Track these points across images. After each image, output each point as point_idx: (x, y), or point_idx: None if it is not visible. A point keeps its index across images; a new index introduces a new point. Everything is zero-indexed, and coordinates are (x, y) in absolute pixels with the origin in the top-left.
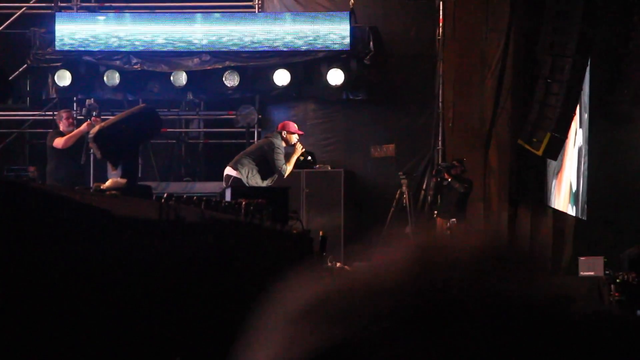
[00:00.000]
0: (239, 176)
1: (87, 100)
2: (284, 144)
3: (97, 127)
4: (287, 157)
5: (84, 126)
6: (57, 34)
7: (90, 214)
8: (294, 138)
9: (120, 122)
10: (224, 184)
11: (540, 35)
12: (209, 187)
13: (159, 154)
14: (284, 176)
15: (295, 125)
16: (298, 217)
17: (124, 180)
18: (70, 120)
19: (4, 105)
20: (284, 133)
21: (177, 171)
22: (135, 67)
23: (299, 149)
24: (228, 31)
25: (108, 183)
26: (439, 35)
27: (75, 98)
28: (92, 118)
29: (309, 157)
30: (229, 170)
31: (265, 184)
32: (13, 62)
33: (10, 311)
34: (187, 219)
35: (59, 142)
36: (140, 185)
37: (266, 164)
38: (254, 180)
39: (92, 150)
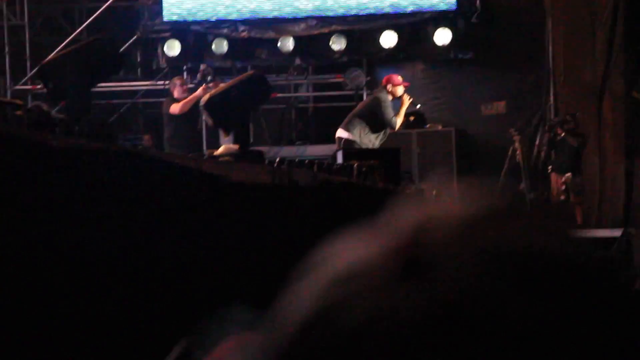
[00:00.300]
0: (351, 137)
1: (202, 65)
2: (390, 98)
3: (207, 95)
4: (396, 110)
5: (199, 91)
6: (165, 4)
7: (206, 180)
8: (400, 90)
9: (230, 89)
10: (336, 146)
11: None
12: (321, 150)
13: (270, 119)
14: (395, 129)
15: (400, 77)
16: (411, 177)
17: (236, 146)
18: (184, 87)
19: (116, 77)
20: (389, 87)
21: (289, 136)
22: (243, 34)
23: (407, 99)
24: None
25: (221, 149)
26: None
27: (184, 67)
28: (210, 83)
29: (418, 106)
30: (340, 132)
31: (378, 140)
32: (123, 34)
33: (145, 270)
34: (300, 182)
35: (175, 108)
36: (252, 150)
37: (376, 121)
38: (367, 138)
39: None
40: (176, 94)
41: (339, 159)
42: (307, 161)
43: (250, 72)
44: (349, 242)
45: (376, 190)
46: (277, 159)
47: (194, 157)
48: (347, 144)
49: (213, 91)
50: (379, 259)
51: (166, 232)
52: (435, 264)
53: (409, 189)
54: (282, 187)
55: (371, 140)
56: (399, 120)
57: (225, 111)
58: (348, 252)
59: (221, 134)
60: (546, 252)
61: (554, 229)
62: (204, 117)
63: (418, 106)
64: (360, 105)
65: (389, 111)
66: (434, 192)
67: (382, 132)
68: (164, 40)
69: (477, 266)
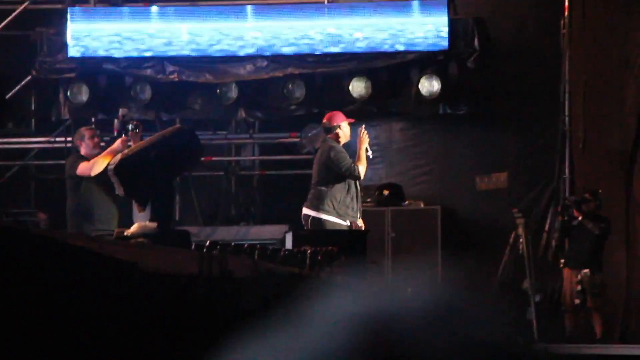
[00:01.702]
0: (323, 216)
1: (121, 110)
2: (341, 141)
3: (118, 157)
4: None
5: (117, 144)
6: (71, 35)
7: (113, 267)
8: (346, 128)
9: (149, 148)
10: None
11: None
12: (267, 231)
13: (203, 190)
14: (359, 178)
15: (340, 113)
16: (379, 269)
17: (153, 224)
18: (96, 140)
19: (2, 131)
20: (339, 129)
21: (226, 212)
22: (172, 77)
23: (365, 137)
24: (290, 28)
25: (133, 228)
26: (564, 28)
27: (93, 119)
28: (132, 132)
29: (369, 153)
30: (306, 210)
31: (356, 203)
32: (14, 72)
33: None
34: (235, 273)
35: (85, 168)
36: (176, 230)
37: (338, 178)
38: (344, 207)
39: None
40: (84, 150)
41: (288, 243)
42: (246, 245)
43: (176, 126)
44: None
45: (333, 285)
46: (208, 243)
47: (98, 238)
48: (317, 224)
49: (126, 151)
50: None
51: (63, 334)
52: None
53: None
54: (212, 279)
55: (350, 208)
56: (361, 168)
57: (142, 177)
58: None
59: (135, 208)
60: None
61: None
62: (114, 184)
63: (369, 154)
64: (315, 171)
65: (343, 157)
66: (409, 290)
67: (350, 188)
68: (67, 83)
69: (451, 356)
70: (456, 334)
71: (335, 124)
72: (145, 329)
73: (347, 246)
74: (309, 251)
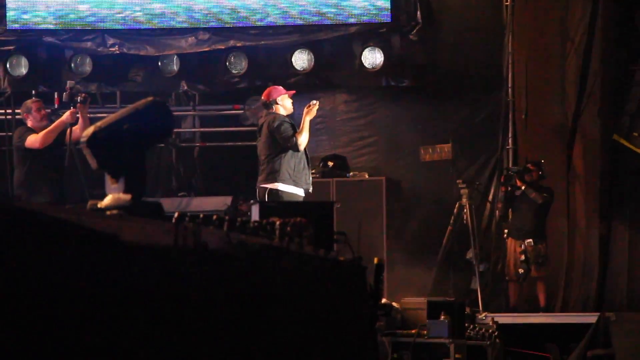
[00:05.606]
0: (281, 186)
1: (69, 82)
2: (284, 113)
3: (91, 129)
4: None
5: (66, 116)
6: (9, 6)
7: (90, 240)
8: (287, 101)
9: (122, 121)
10: (262, 199)
11: None
12: (209, 203)
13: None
14: (299, 150)
15: (279, 87)
16: (346, 240)
17: (127, 196)
18: (43, 112)
19: None
20: (277, 104)
21: (167, 184)
22: (112, 49)
23: (312, 109)
24: (232, 0)
25: (107, 200)
26: (507, 1)
27: (34, 92)
28: (78, 105)
29: (314, 102)
30: (262, 183)
31: (308, 169)
32: None
33: None
34: (209, 244)
35: (34, 140)
36: (149, 202)
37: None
38: (299, 177)
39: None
40: (31, 122)
41: (255, 214)
42: (215, 216)
43: (148, 99)
44: None
45: (303, 256)
46: (177, 214)
47: (76, 209)
48: (274, 196)
49: (99, 123)
50: None
51: (41, 313)
52: None
53: (342, 256)
54: (187, 251)
55: (304, 175)
56: (302, 138)
57: (115, 149)
58: None
59: (107, 180)
60: None
61: None
62: (87, 156)
63: (314, 102)
64: (261, 143)
65: (286, 127)
66: (376, 260)
67: (302, 156)
68: (6, 56)
69: None
70: None
71: (272, 99)
72: (129, 303)
73: (314, 217)
74: (278, 223)
